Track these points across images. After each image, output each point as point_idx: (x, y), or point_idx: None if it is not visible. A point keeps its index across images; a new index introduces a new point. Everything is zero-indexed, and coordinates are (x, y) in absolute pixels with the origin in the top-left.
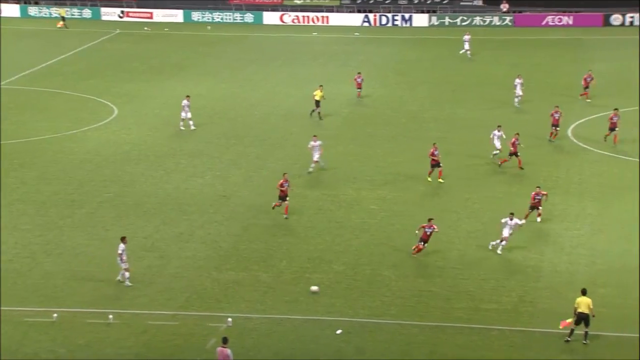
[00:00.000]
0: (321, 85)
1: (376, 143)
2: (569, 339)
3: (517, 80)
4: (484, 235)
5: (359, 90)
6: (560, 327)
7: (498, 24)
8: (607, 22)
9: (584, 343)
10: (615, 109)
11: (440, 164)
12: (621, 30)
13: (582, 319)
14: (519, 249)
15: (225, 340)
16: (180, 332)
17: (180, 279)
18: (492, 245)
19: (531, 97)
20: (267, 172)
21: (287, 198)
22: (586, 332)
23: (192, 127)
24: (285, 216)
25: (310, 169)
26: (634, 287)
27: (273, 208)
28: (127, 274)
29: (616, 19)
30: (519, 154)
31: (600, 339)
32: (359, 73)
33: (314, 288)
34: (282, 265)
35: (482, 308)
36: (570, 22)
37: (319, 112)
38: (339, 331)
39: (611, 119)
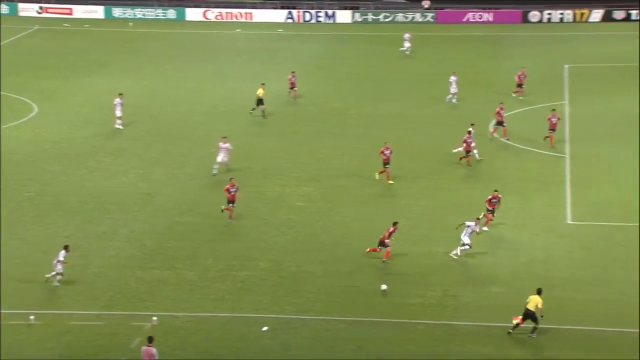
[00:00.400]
0: (263, 84)
1: (301, 140)
2: (510, 331)
3: (452, 78)
4: (409, 230)
5: (292, 89)
6: (513, 321)
7: (420, 20)
8: (525, 19)
9: (530, 336)
10: (553, 110)
11: (387, 165)
12: (539, 26)
13: (527, 315)
14: (442, 244)
15: (150, 339)
16: (105, 331)
17: (103, 278)
18: (457, 253)
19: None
20: (191, 170)
21: (234, 203)
22: (534, 327)
23: (118, 126)
24: (229, 220)
25: (214, 171)
26: (556, 281)
27: (222, 212)
28: (59, 277)
29: (534, 15)
30: (470, 152)
31: (519, 330)
32: (292, 72)
33: (384, 287)
34: (207, 263)
35: (407, 303)
36: (491, 19)
37: (262, 110)
38: (265, 328)
39: (550, 119)
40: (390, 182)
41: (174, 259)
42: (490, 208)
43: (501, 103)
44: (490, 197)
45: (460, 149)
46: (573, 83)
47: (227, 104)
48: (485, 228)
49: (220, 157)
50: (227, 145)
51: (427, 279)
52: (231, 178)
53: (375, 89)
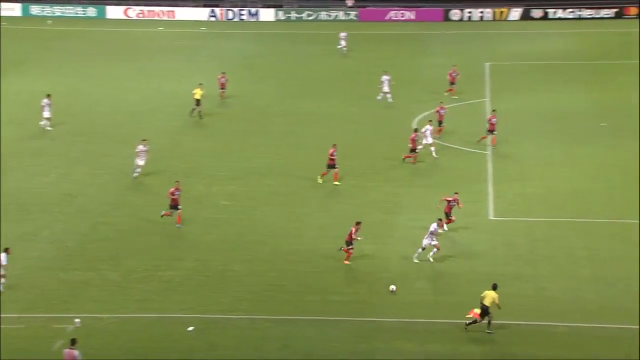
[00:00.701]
0: (201, 84)
1: (226, 138)
2: (466, 327)
3: (384, 77)
4: (334, 228)
5: (222, 90)
6: (468, 315)
7: (343, 18)
8: (447, 17)
9: (487, 332)
10: (494, 110)
11: (336, 166)
12: (460, 25)
13: (483, 311)
14: (368, 240)
15: (73, 342)
16: (26, 334)
17: (24, 280)
18: (421, 255)
19: (378, 91)
20: (113, 170)
21: (180, 207)
22: (489, 322)
23: (42, 125)
24: (178, 225)
25: (135, 174)
26: (479, 276)
27: (162, 217)
28: (3, 280)
29: (455, 14)
30: (417, 150)
31: (438, 325)
32: (222, 73)
33: (393, 287)
34: (131, 264)
35: (332, 300)
36: (413, 17)
37: (199, 112)
38: (190, 328)
39: (490, 120)
40: (336, 183)
41: (97, 260)
42: (447, 211)
43: (441, 102)
44: (450, 199)
45: (420, 147)
46: (494, 80)
47: (150, 102)
48: (445, 228)
49: (139, 160)
50: (146, 148)
51: (353, 276)
52: (176, 181)
53: (300, 87)
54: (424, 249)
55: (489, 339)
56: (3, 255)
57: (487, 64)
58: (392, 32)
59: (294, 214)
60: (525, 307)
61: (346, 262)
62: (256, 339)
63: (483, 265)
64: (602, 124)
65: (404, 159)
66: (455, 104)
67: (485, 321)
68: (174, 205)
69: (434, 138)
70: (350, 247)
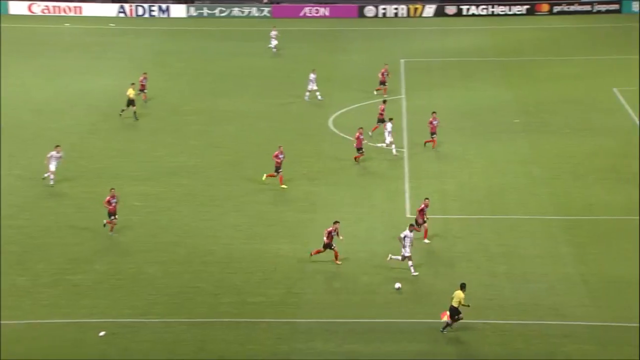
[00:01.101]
0: (133, 83)
1: (137, 137)
2: (442, 330)
3: (312, 75)
4: (249, 228)
5: (143, 92)
6: (441, 318)
7: (257, 15)
8: (361, 14)
9: (441, 331)
10: (434, 112)
11: (280, 170)
12: (375, 21)
13: (452, 311)
14: (284, 241)
15: None
16: None
17: None
18: (396, 262)
19: (293, 88)
20: (20, 171)
21: (116, 215)
22: (447, 324)
23: None
24: (110, 233)
25: (51, 182)
26: (397, 274)
27: (104, 226)
28: None
29: (370, 10)
30: (362, 149)
31: (361, 325)
32: (144, 74)
33: (398, 285)
34: (39, 268)
35: (249, 302)
36: (327, 14)
37: (134, 112)
38: (102, 333)
39: (431, 122)
40: (283, 186)
41: (3, 265)
42: (420, 221)
43: (384, 101)
44: (422, 206)
45: (384, 144)
46: (409, 77)
47: (58, 101)
48: (426, 240)
49: (52, 166)
50: (60, 154)
51: (270, 277)
52: (112, 189)
53: (213, 85)
54: (405, 258)
55: (410, 338)
56: None
57: (403, 61)
58: (307, 29)
59: (208, 214)
60: (443, 305)
61: (337, 262)
62: (171, 343)
63: (400, 264)
64: (515, 121)
65: (355, 158)
66: (369, 102)
67: (449, 321)
68: (112, 213)
69: (370, 136)
70: (332, 247)
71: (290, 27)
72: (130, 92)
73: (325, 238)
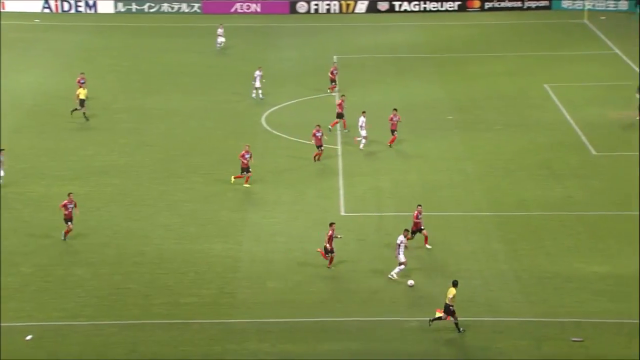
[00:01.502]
0: (83, 83)
1: (65, 136)
2: (430, 322)
3: (257, 73)
4: (181, 227)
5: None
6: (437, 314)
7: (187, 11)
8: (293, 10)
9: (458, 332)
10: (395, 109)
11: (250, 170)
12: (307, 17)
13: (446, 308)
14: (217, 240)
15: None
16: None
17: None
18: (394, 275)
19: (225, 85)
20: None
21: (71, 222)
22: (439, 318)
23: None
24: (62, 238)
25: None
26: (332, 272)
27: (65, 237)
28: None
29: (302, 6)
30: (322, 146)
31: (295, 324)
32: (81, 74)
33: (411, 282)
34: None
35: (181, 302)
36: (259, 10)
37: (84, 112)
38: (29, 337)
39: (391, 119)
40: (247, 185)
41: None
42: (414, 229)
43: (343, 95)
44: (415, 213)
45: (360, 138)
46: (343, 74)
47: None
48: (427, 246)
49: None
50: (2, 158)
51: (203, 277)
52: (69, 194)
53: (143, 82)
54: (401, 264)
55: (344, 337)
56: None
57: (336, 57)
58: (239, 25)
59: (139, 213)
60: (378, 302)
61: (329, 266)
62: (101, 346)
63: (335, 262)
64: (448, 117)
65: (314, 157)
66: (303, 99)
67: (453, 320)
68: (69, 219)
69: (336, 130)
70: (331, 253)
71: (220, 23)
72: (82, 92)
73: (327, 244)
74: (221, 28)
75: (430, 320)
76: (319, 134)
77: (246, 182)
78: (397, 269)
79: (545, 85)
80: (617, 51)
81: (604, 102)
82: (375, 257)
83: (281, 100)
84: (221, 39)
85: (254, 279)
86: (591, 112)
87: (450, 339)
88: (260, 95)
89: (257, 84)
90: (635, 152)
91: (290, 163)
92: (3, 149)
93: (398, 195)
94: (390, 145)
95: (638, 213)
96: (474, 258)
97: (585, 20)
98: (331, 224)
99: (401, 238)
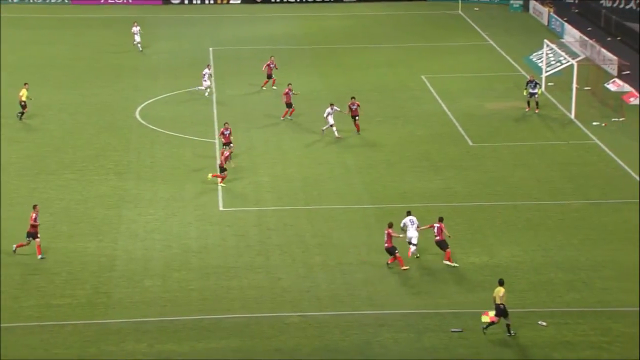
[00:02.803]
0: (26, 83)
1: None
2: (484, 330)
3: (206, 71)
4: (54, 226)
5: None
6: (483, 319)
7: (54, 1)
8: (167, 1)
9: (509, 335)
10: (352, 97)
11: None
12: (181, 8)
13: (498, 310)
14: (91, 239)
15: None
16: None
17: None
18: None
19: (96, 79)
20: None
21: (38, 236)
22: (492, 323)
23: None
24: (40, 256)
25: None
26: (211, 269)
27: (41, 257)
28: None
29: None
30: (231, 144)
31: (174, 323)
32: None
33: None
34: None
35: (54, 304)
36: (130, 0)
37: (21, 114)
38: None
39: (349, 107)
40: (222, 185)
41: None
42: (439, 238)
43: (289, 84)
44: (436, 225)
45: (326, 127)
46: (219, 66)
47: None
48: (453, 264)
49: None
50: None
51: (77, 277)
52: (35, 205)
53: (9, 76)
54: (410, 243)
55: (225, 335)
56: None
57: (211, 49)
58: (110, 16)
59: (8, 212)
60: (259, 298)
61: (403, 267)
62: None
63: (214, 258)
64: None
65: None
66: (178, 91)
67: (507, 322)
68: (32, 234)
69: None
70: (395, 253)
71: (90, 14)
72: (24, 94)
73: (386, 243)
74: (136, 26)
75: (483, 328)
76: (227, 132)
77: (221, 181)
78: (412, 248)
79: (423, 77)
80: (492, 42)
81: (480, 93)
82: (255, 252)
83: (156, 93)
84: (137, 38)
85: (131, 277)
86: (468, 103)
87: (332, 334)
88: (206, 93)
89: (207, 82)
90: (510, 143)
91: (167, 158)
92: None
93: (278, 189)
94: (357, 132)
95: (513, 203)
96: (355, 251)
97: (460, 12)
98: (389, 225)
99: (407, 219)
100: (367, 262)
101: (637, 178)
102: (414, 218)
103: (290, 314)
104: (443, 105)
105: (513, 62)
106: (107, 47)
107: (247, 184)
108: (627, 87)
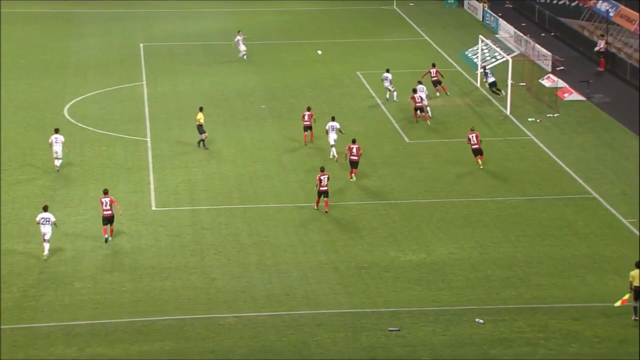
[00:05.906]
0: None
1: None
2: (635, 317)
3: (238, 37)
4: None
5: None
6: (619, 305)
7: None
8: None
9: (635, 319)
10: (308, 107)
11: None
12: (111, 3)
13: (636, 292)
14: (19, 241)
15: None
16: None
17: None
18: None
19: (23, 76)
20: None
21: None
22: (635, 307)
23: None
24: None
25: None
26: (144, 270)
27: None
28: None
29: None
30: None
31: (105, 326)
32: None
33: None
34: None
35: None
36: None
37: None
38: None
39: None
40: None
41: None
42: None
43: (308, 107)
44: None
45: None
46: (150, 63)
47: None
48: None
49: None
50: None
51: (3, 280)
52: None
53: None
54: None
55: (158, 337)
56: None
57: (142, 45)
58: (38, 11)
59: None
60: (194, 299)
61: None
62: None
63: (148, 259)
64: (262, 107)
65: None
66: (108, 89)
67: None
68: None
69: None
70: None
71: (18, 9)
72: None
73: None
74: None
75: (634, 318)
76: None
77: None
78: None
79: (358, 73)
80: (427, 38)
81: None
82: (190, 252)
83: (85, 90)
84: (243, 47)
85: (60, 280)
86: (403, 100)
87: (268, 335)
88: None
89: (243, 47)
90: (447, 140)
91: (98, 157)
92: None
93: (211, 188)
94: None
95: (450, 200)
96: (292, 250)
97: (395, 7)
98: (321, 169)
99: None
100: (304, 261)
101: (572, 174)
102: (335, 124)
103: (226, 315)
104: (378, 101)
105: (448, 58)
106: (33, 42)
107: (180, 183)
108: (561, 83)
